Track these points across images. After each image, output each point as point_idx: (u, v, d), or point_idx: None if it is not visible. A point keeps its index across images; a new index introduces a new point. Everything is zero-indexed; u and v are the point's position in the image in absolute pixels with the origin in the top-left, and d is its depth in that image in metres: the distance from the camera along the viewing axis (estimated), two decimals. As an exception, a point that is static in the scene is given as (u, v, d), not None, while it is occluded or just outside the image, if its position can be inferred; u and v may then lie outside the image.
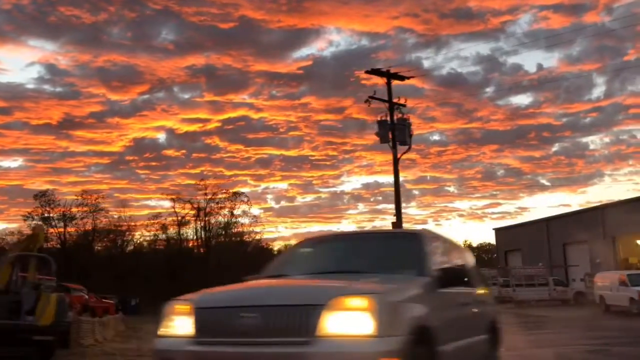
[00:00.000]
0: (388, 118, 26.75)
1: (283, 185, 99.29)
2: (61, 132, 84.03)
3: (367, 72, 27.53)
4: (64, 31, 75.60)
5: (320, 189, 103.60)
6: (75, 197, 48.90)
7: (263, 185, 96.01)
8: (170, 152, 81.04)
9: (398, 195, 26.74)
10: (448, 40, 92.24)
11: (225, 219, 56.27)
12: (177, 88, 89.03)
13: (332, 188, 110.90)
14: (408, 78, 27.63)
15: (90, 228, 50.06)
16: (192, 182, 74.08)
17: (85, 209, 48.18)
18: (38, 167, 79.70)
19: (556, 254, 43.23)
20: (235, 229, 56.97)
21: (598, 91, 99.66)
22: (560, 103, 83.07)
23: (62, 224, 48.03)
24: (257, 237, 57.81)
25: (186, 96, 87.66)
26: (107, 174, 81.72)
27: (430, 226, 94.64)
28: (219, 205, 54.60)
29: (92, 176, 76.41)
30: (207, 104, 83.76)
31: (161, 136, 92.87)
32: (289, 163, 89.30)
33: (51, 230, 47.70)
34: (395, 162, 26.67)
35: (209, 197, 54.28)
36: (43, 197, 47.21)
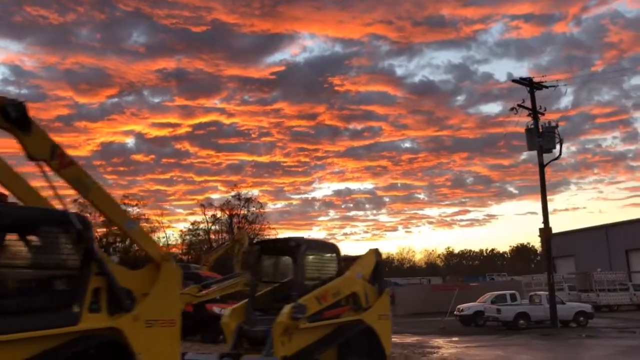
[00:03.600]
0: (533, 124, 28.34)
1: (254, 191, 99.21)
2: None
3: (513, 81, 29.14)
4: (30, 31, 73.39)
5: (292, 196, 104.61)
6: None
7: (233, 191, 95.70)
8: (139, 157, 79.86)
9: (545, 202, 28.39)
10: (421, 48, 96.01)
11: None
12: (147, 92, 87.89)
13: (303, 195, 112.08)
14: (547, 87, 29.33)
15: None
16: (161, 187, 73.16)
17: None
18: (2, 171, 77.14)
19: (617, 260, 46.23)
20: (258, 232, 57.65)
21: (566, 101, 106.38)
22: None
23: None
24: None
25: (156, 100, 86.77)
26: None
27: (400, 233, 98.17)
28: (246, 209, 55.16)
29: (58, 181, 74.05)
30: (178, 109, 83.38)
31: (130, 141, 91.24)
32: (261, 169, 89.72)
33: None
34: (542, 169, 28.31)
35: (242, 203, 54.64)
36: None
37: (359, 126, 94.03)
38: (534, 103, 28.56)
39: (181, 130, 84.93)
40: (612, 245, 47.52)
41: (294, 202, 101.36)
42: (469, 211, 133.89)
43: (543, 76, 28.73)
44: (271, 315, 10.09)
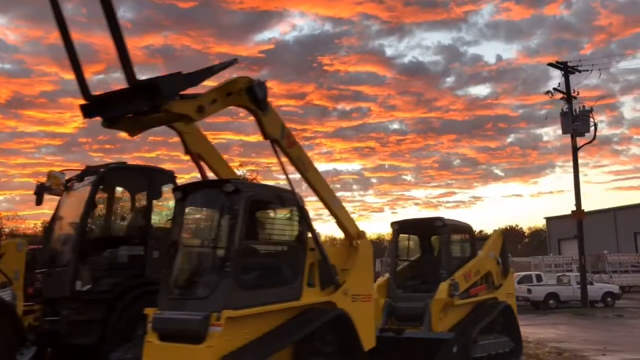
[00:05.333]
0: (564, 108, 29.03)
1: (241, 171, 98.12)
2: (10, 112, 79.38)
3: (548, 64, 29.72)
4: (13, 4, 71.43)
5: (279, 176, 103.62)
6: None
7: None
8: (125, 135, 78.49)
9: (578, 185, 29.20)
10: (411, 29, 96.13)
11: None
12: (134, 69, 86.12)
13: (290, 175, 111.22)
14: (580, 72, 29.94)
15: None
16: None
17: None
18: (-16, 147, 75.61)
19: (625, 242, 47.62)
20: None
21: (554, 84, 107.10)
22: (518, 94, 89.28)
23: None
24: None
25: (143, 77, 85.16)
26: (59, 156, 78.26)
27: (387, 214, 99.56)
28: None
29: (42, 158, 73.55)
30: None
31: None
32: (248, 149, 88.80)
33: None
34: (575, 151, 29.05)
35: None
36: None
37: (347, 107, 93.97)
38: (568, 87, 29.19)
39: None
40: (620, 228, 48.93)
41: (281, 182, 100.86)
42: (455, 193, 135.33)
43: (579, 60, 29.31)
44: (409, 292, 10.55)
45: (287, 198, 7.16)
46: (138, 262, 8.68)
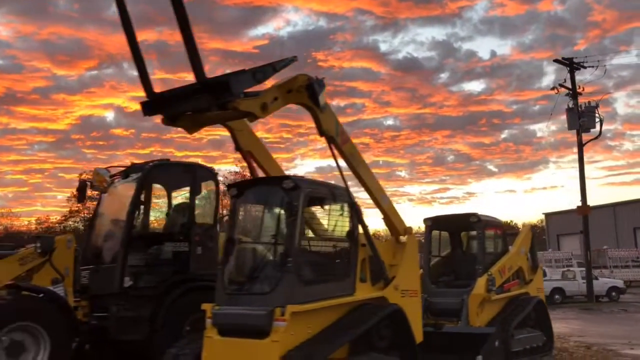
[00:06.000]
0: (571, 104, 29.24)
1: (235, 168, 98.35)
2: (1, 108, 79.25)
3: (554, 60, 30.05)
4: (6, 0, 70.99)
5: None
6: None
7: (215, 167, 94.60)
8: (118, 131, 78.64)
9: (583, 181, 29.46)
10: (405, 24, 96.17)
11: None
12: (127, 64, 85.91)
13: (285, 171, 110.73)
14: (586, 67, 30.14)
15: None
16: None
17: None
18: (-24, 144, 75.41)
19: (625, 238, 48.07)
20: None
21: (548, 79, 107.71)
22: (512, 90, 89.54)
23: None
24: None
25: (136, 73, 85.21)
26: (52, 152, 78.22)
27: None
28: None
29: (35, 155, 73.58)
30: (159, 82, 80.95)
31: (109, 114, 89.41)
32: None
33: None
34: (580, 147, 29.28)
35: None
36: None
37: (342, 102, 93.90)
38: (573, 83, 29.39)
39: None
40: (619, 223, 49.37)
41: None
42: (449, 189, 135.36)
43: (585, 57, 29.54)
44: (442, 288, 10.66)
45: (340, 194, 7.24)
46: (183, 258, 8.74)
